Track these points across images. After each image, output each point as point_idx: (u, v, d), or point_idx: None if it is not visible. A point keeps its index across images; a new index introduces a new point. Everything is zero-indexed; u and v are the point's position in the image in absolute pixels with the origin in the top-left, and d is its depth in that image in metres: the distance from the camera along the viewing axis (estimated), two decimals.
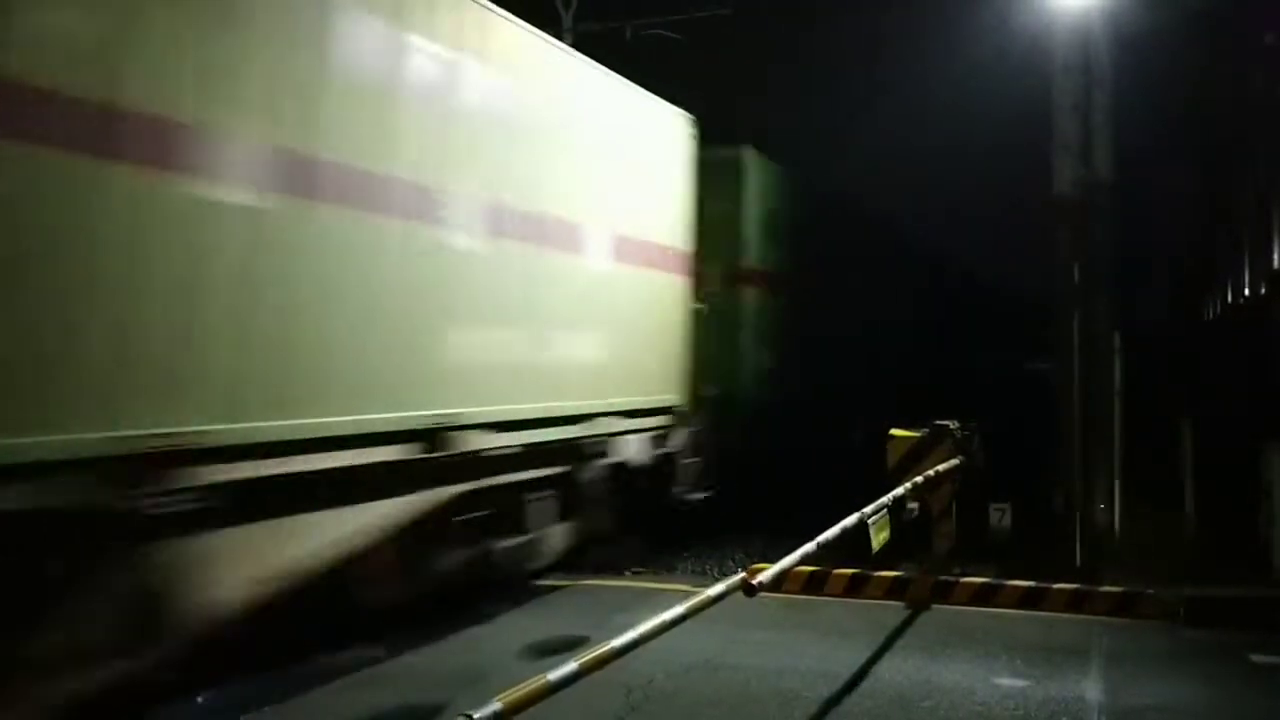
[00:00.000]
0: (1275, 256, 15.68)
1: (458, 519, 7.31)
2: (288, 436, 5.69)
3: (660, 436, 9.90)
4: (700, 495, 10.41)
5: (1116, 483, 9.41)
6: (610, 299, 9.17)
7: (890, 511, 7.13)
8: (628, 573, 9.76)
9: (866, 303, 16.94)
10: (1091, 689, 6.48)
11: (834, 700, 6.21)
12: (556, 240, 8.34)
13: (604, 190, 9.11)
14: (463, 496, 7.23)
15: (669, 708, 6.07)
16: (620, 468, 9.22)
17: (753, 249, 12.75)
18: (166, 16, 5.16)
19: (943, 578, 8.55)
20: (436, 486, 6.93)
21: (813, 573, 8.60)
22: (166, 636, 5.15)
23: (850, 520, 6.17)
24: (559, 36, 11.46)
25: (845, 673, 6.68)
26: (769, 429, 12.59)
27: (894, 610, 8.25)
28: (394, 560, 6.85)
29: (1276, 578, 8.61)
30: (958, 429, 9.03)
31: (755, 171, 12.82)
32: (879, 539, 6.89)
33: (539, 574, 9.13)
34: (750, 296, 12.71)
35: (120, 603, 4.92)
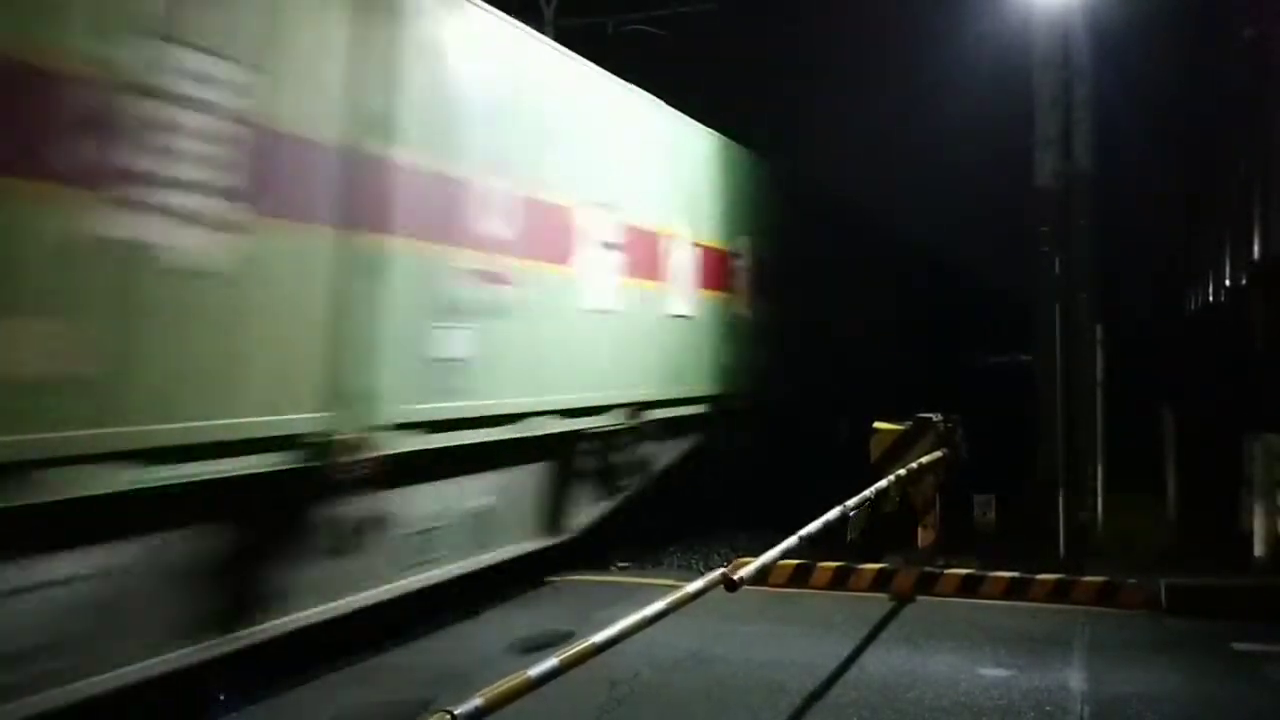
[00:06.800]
0: (1256, 248, 15.78)
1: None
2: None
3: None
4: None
5: (1099, 474, 9.46)
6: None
7: (873, 504, 7.16)
8: (613, 567, 9.77)
9: (850, 297, 16.96)
10: (1075, 678, 6.51)
11: (819, 692, 6.23)
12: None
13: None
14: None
15: (654, 701, 6.08)
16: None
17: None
18: None
19: (927, 570, 8.58)
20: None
21: (798, 566, 8.62)
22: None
23: (833, 514, 6.19)
24: (540, 31, 11.44)
25: (830, 665, 6.70)
26: (755, 423, 12.61)
27: (879, 603, 8.28)
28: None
29: (1258, 567, 8.66)
30: (941, 422, 9.06)
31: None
32: (855, 527, 6.94)
33: (528, 569, 9.18)
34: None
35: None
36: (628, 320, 9.70)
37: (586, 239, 9.07)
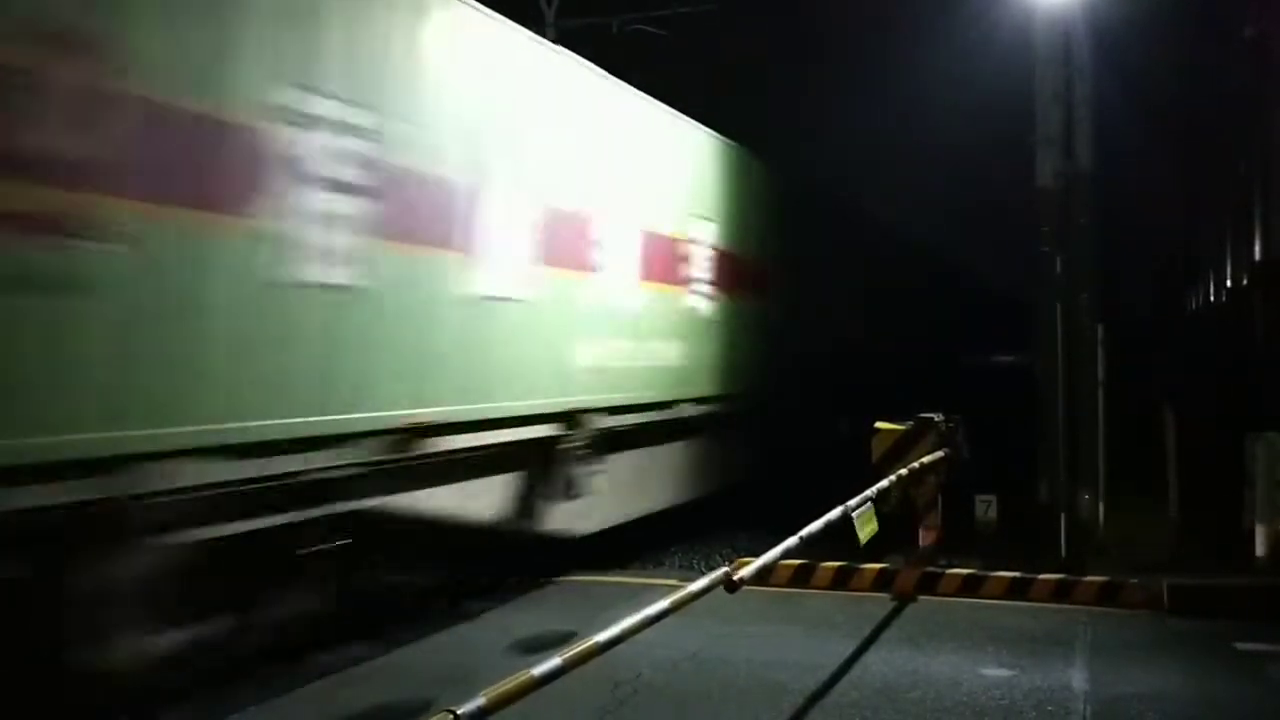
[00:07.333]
0: (1257, 248, 15.77)
1: None
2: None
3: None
4: None
5: (1101, 473, 9.45)
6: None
7: (875, 504, 7.13)
8: (615, 568, 9.76)
9: (851, 297, 16.95)
10: (1077, 678, 6.51)
11: (821, 692, 6.23)
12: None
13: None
14: None
15: (656, 701, 6.08)
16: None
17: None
18: None
19: (929, 569, 8.58)
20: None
21: (800, 566, 8.62)
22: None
23: (834, 514, 6.17)
24: (541, 33, 11.47)
25: (832, 665, 6.70)
26: (754, 422, 12.60)
27: (880, 602, 8.27)
28: None
29: (1260, 567, 8.65)
30: (942, 422, 9.04)
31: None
32: (866, 531, 6.89)
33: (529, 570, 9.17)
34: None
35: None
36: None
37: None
